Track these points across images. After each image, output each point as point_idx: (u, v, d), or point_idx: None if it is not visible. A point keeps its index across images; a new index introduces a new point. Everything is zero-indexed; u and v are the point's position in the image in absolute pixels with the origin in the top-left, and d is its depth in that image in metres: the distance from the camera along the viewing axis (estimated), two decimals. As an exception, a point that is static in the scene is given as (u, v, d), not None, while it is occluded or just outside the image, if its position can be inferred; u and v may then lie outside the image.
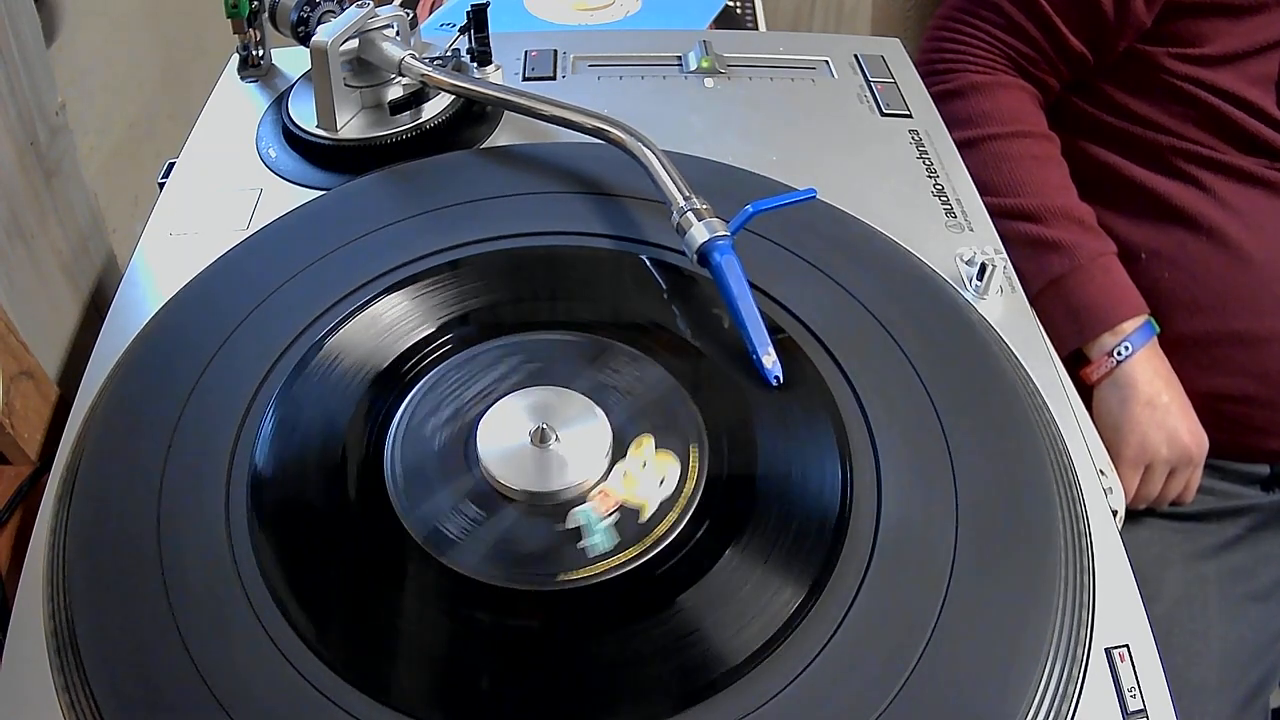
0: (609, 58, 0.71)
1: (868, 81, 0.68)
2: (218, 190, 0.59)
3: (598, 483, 0.44)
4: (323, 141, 0.60)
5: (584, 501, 0.43)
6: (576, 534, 0.42)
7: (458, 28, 0.67)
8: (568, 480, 0.43)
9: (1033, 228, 0.74)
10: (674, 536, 0.42)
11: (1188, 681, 0.70)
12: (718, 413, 0.46)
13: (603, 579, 0.41)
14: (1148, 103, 0.78)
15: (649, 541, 0.42)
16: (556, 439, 0.44)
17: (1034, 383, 0.49)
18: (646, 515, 0.43)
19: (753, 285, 0.49)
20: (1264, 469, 0.77)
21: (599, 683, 0.39)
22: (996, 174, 0.76)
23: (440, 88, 0.61)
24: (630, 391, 0.47)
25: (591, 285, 0.53)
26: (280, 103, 0.65)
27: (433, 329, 0.50)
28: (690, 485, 0.44)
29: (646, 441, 0.45)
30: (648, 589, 0.41)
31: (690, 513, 0.43)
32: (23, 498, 0.49)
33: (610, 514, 0.43)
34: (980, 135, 0.77)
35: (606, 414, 0.46)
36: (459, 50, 0.66)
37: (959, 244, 0.56)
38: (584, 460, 0.44)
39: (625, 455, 0.45)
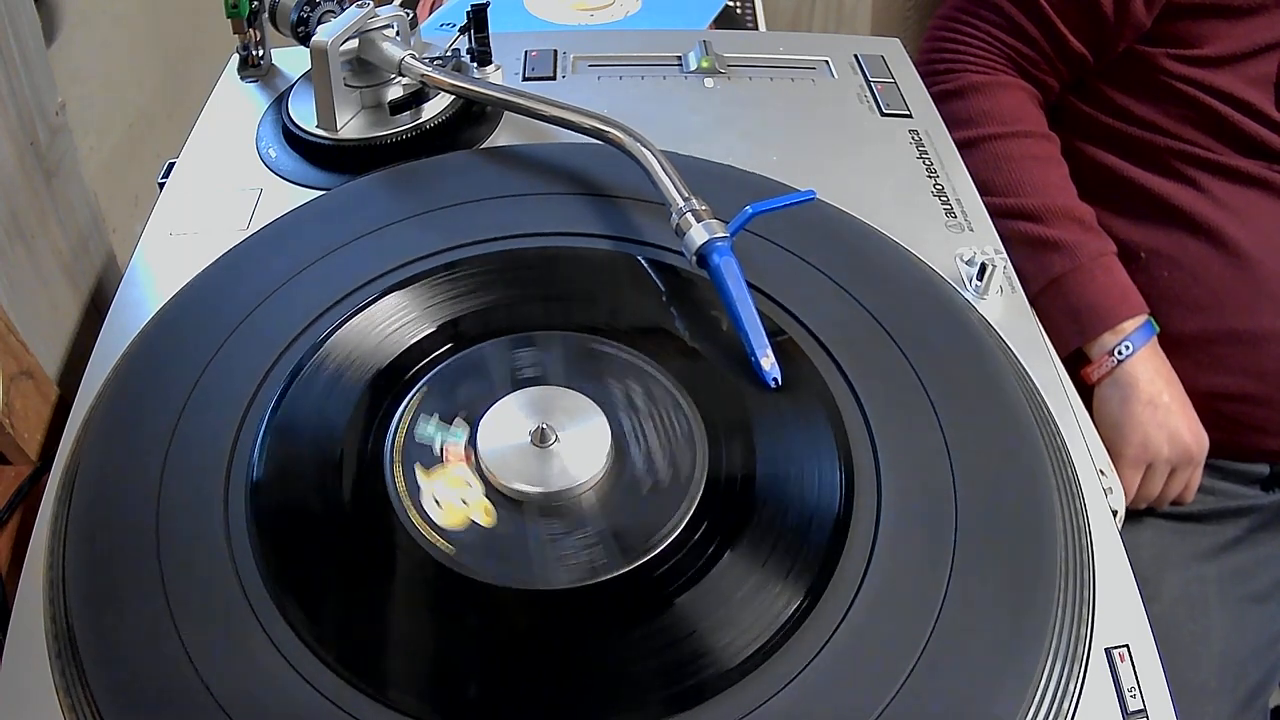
0: (609, 58, 0.71)
1: (868, 81, 0.68)
2: (218, 190, 0.59)
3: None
4: (323, 141, 0.60)
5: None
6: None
7: (458, 28, 0.67)
8: (568, 480, 0.43)
9: (1033, 227, 0.74)
10: (673, 538, 0.42)
11: (1188, 682, 0.70)
12: (717, 414, 0.46)
13: (602, 580, 0.41)
14: (1147, 104, 0.78)
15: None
16: (556, 439, 0.44)
17: (1034, 383, 0.49)
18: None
19: (752, 286, 0.49)
20: (1264, 469, 0.77)
21: (598, 684, 0.39)
22: (996, 174, 0.76)
23: (440, 88, 0.61)
24: (629, 392, 0.47)
25: (591, 286, 0.53)
26: (280, 103, 0.65)
27: (432, 329, 0.50)
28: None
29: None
30: (647, 590, 0.41)
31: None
32: (23, 498, 0.49)
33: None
34: (980, 135, 0.77)
35: (606, 414, 0.46)
36: (459, 50, 0.66)
37: (959, 244, 0.56)
38: (584, 460, 0.44)
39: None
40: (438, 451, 0.45)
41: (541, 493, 0.43)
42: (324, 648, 0.39)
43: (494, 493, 0.44)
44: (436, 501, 0.43)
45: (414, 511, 0.43)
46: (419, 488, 0.44)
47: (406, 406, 0.46)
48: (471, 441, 0.45)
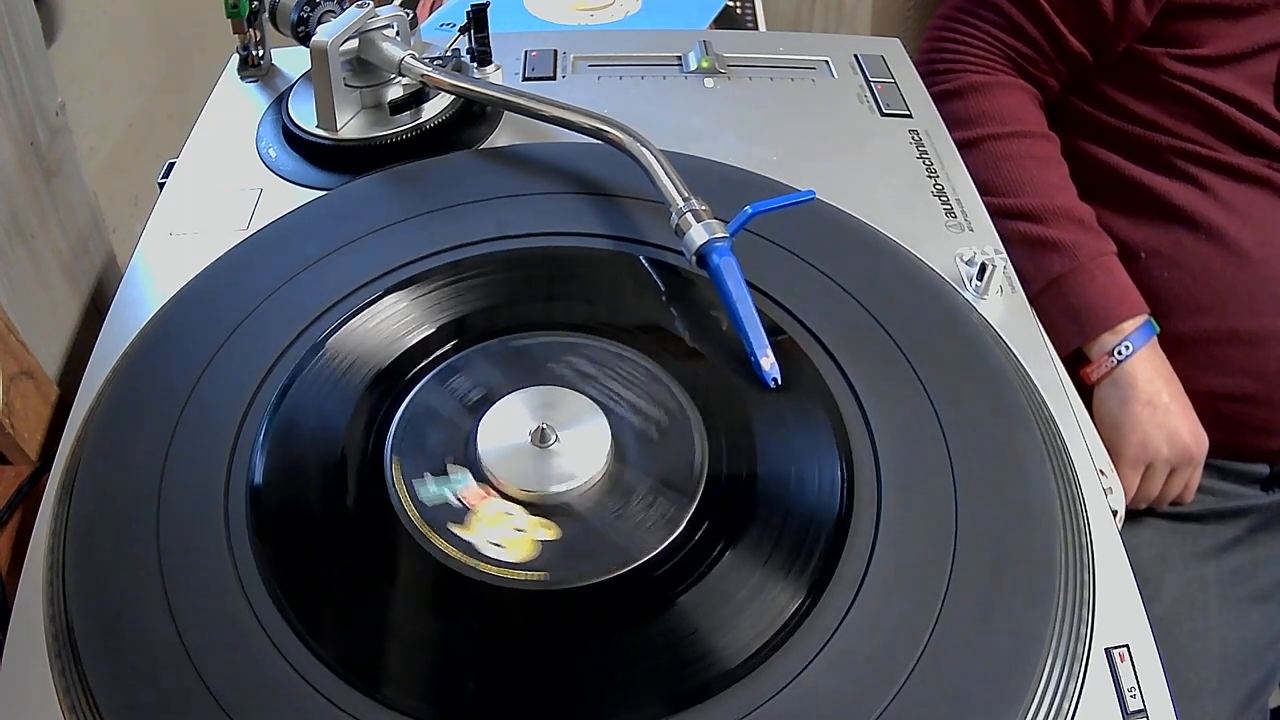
0: (609, 58, 0.71)
1: (868, 81, 0.68)
2: (218, 190, 0.59)
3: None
4: (323, 141, 0.60)
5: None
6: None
7: (458, 28, 0.67)
8: (568, 480, 0.43)
9: (1033, 227, 0.74)
10: (674, 537, 0.42)
11: (1187, 682, 0.70)
12: (717, 414, 0.46)
13: (603, 580, 0.41)
14: (1147, 103, 0.78)
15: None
16: (556, 439, 0.44)
17: (1034, 383, 0.49)
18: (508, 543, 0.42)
19: (752, 286, 0.49)
20: (1264, 469, 0.77)
21: (599, 683, 0.39)
22: (996, 174, 0.76)
23: (440, 88, 0.61)
24: (629, 392, 0.47)
25: (591, 286, 0.53)
26: (280, 103, 0.65)
27: (432, 329, 0.50)
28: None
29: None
30: (648, 590, 0.41)
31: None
32: (23, 498, 0.49)
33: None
34: (980, 135, 0.77)
35: (606, 414, 0.46)
36: (459, 50, 0.66)
37: (959, 244, 0.56)
38: (584, 460, 0.44)
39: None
40: (456, 504, 0.43)
41: (541, 493, 0.43)
42: (323, 647, 0.39)
43: (538, 507, 0.43)
44: (496, 544, 0.42)
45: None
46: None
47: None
48: (479, 475, 0.44)
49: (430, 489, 0.43)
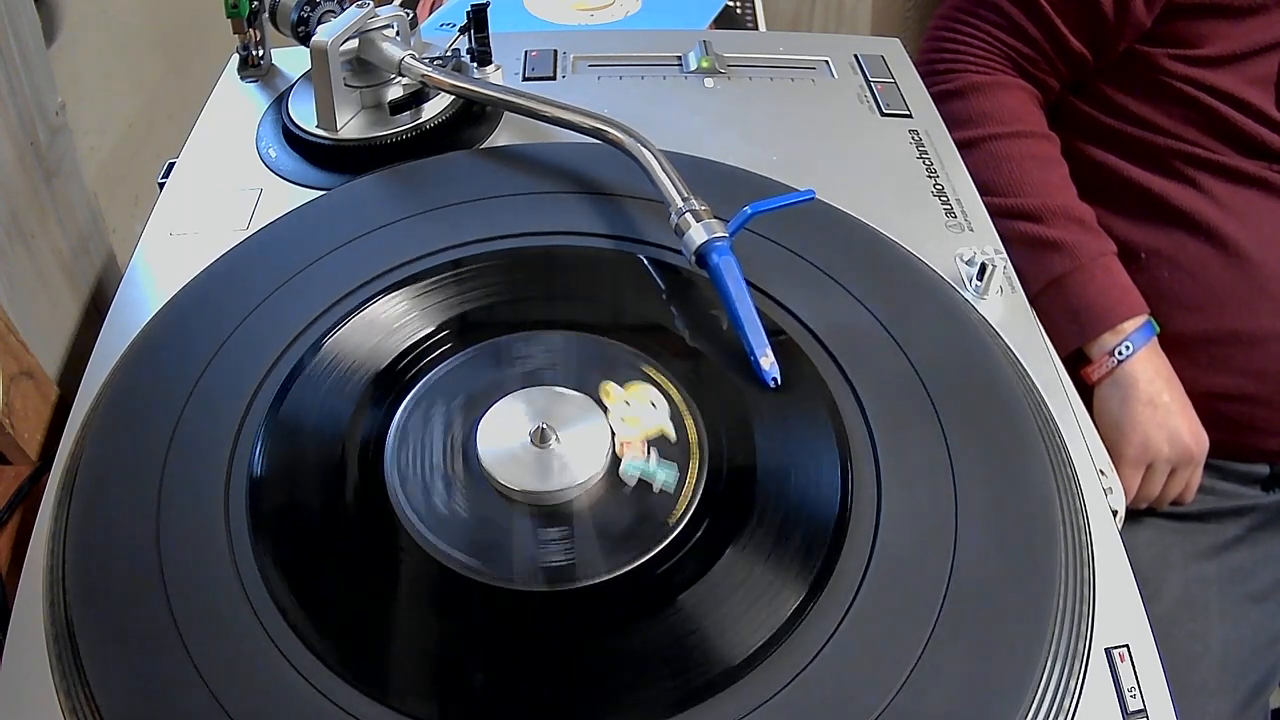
0: (609, 58, 0.71)
1: (868, 81, 0.68)
2: (218, 190, 0.59)
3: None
4: (323, 141, 0.60)
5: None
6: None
7: (458, 28, 0.67)
8: (568, 480, 0.43)
9: (1033, 227, 0.74)
10: (674, 536, 0.42)
11: (1187, 682, 0.70)
12: (717, 413, 0.46)
13: (604, 579, 0.41)
14: (1147, 104, 0.78)
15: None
16: (556, 439, 0.44)
17: (1034, 382, 0.49)
18: (672, 435, 0.45)
19: (752, 285, 0.49)
20: (1264, 469, 0.77)
21: (600, 683, 0.39)
22: (996, 174, 0.76)
23: (440, 88, 0.61)
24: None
25: (591, 285, 0.53)
26: (280, 103, 0.65)
27: (432, 329, 0.50)
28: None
29: (611, 386, 0.46)
30: (648, 589, 0.41)
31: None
32: (23, 498, 0.49)
33: (649, 453, 0.44)
34: (980, 135, 0.77)
35: (606, 414, 0.46)
36: (459, 50, 0.66)
37: (959, 244, 0.56)
38: (584, 460, 0.44)
39: (606, 408, 0.46)
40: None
41: (541, 492, 0.43)
42: (324, 647, 0.39)
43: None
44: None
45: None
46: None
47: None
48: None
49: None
